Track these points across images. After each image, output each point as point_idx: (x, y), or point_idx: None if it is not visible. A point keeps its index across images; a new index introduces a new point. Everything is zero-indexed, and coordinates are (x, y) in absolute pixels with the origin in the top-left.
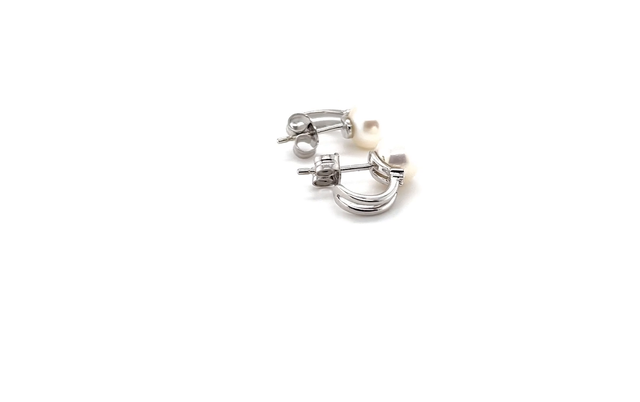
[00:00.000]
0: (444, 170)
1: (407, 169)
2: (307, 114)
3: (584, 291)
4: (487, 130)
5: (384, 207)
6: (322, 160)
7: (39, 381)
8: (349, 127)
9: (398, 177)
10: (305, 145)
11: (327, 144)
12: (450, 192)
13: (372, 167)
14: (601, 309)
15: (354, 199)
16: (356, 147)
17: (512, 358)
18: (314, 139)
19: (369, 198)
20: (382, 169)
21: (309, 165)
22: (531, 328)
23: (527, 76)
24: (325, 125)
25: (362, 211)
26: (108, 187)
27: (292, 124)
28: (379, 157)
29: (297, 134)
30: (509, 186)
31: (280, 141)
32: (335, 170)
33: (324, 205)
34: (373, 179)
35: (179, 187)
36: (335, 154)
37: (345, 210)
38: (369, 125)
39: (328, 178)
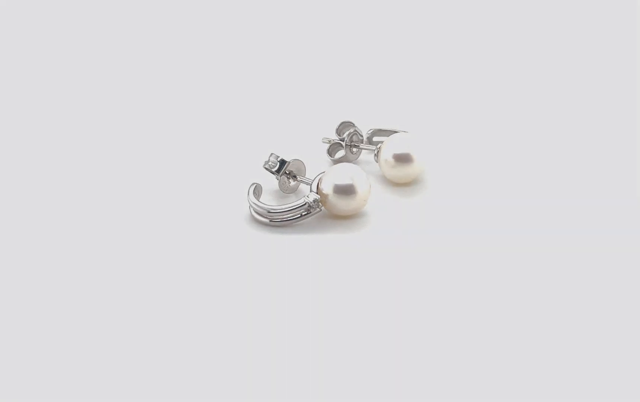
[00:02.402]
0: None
1: (354, 201)
2: (378, 129)
3: (583, 301)
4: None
5: (285, 222)
6: (277, 161)
7: (35, 380)
8: (376, 153)
9: (307, 200)
10: (338, 153)
11: (365, 163)
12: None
13: (310, 186)
14: (602, 310)
15: (252, 203)
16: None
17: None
18: (348, 149)
19: (264, 207)
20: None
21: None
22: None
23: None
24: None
25: (266, 219)
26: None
27: (340, 132)
28: (318, 180)
29: (340, 140)
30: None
31: (324, 140)
32: (275, 173)
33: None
34: None
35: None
36: (295, 160)
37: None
38: (392, 157)
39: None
